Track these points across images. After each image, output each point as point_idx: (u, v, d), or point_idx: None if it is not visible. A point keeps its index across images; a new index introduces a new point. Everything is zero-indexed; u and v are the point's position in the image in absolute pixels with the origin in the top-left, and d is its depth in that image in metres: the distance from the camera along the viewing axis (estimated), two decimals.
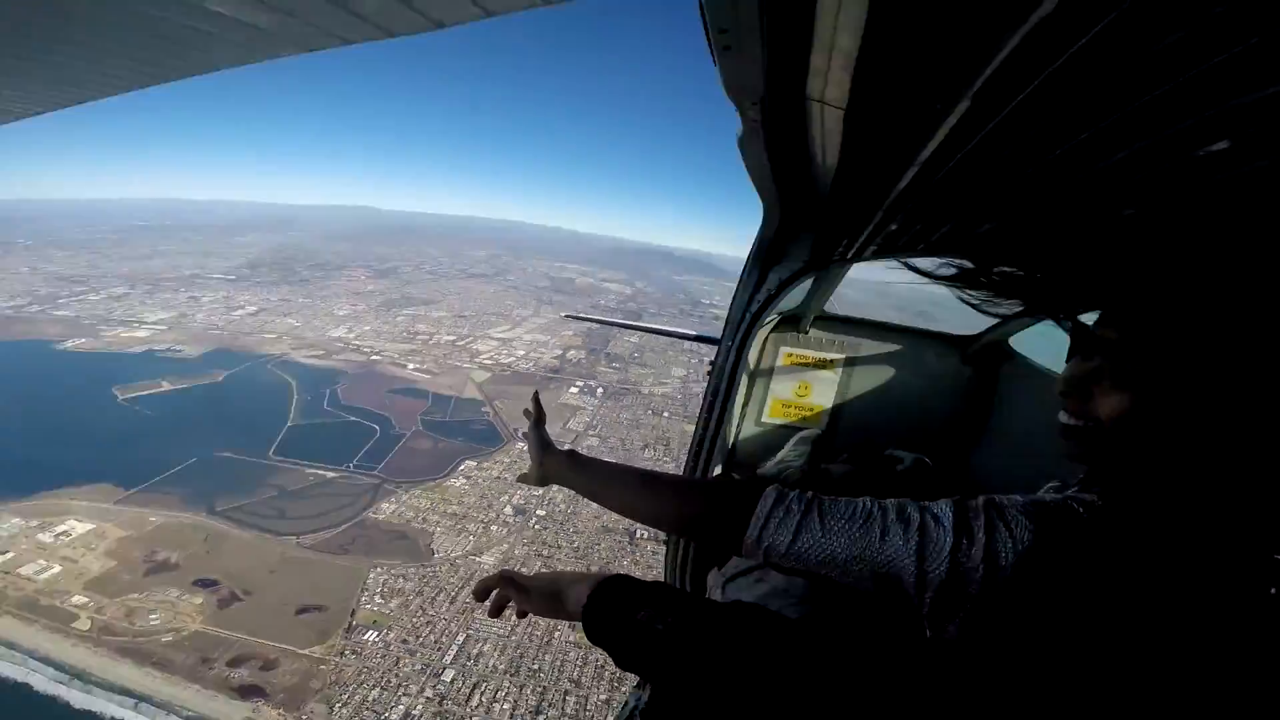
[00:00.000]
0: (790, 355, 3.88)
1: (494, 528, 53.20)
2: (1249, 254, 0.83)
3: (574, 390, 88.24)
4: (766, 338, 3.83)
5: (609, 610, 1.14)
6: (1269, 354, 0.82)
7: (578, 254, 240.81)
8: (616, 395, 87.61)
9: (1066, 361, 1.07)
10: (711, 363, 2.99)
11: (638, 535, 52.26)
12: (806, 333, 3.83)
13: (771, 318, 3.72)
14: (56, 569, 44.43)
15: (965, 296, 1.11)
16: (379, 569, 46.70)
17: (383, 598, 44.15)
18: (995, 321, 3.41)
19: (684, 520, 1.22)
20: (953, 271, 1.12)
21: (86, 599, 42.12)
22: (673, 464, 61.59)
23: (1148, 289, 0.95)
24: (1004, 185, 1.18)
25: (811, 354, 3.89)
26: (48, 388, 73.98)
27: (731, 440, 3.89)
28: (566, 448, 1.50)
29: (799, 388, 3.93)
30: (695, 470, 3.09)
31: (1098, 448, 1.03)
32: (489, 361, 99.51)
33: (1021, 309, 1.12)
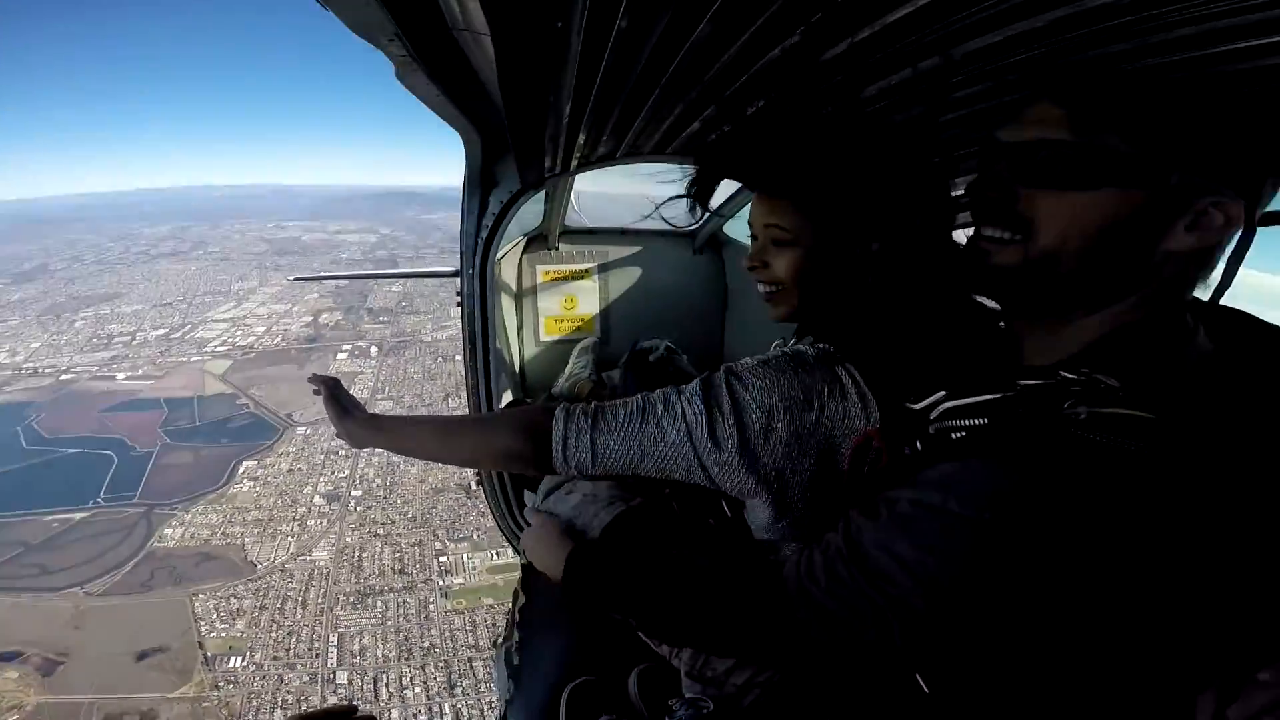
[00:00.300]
0: (547, 272, 4.03)
1: (310, 522, 49.26)
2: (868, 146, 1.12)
3: (343, 355, 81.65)
4: (520, 259, 3.99)
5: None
6: (891, 212, 1.11)
7: (295, 209, 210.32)
8: (395, 350, 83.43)
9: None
10: (459, 294, 3.06)
11: (472, 488, 52.19)
12: (556, 248, 4.03)
13: (518, 239, 3.90)
14: None
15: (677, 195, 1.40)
16: (202, 595, 41.99)
17: (224, 622, 40.17)
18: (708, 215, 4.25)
19: (495, 456, 1.36)
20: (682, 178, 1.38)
21: None
22: None
23: (805, 170, 1.21)
24: (666, 91, 1.58)
25: (567, 268, 4.05)
26: None
27: (518, 365, 4.06)
28: (370, 413, 1.66)
29: (565, 301, 4.09)
30: (479, 404, 3.12)
31: (789, 304, 1.36)
32: (223, 348, 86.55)
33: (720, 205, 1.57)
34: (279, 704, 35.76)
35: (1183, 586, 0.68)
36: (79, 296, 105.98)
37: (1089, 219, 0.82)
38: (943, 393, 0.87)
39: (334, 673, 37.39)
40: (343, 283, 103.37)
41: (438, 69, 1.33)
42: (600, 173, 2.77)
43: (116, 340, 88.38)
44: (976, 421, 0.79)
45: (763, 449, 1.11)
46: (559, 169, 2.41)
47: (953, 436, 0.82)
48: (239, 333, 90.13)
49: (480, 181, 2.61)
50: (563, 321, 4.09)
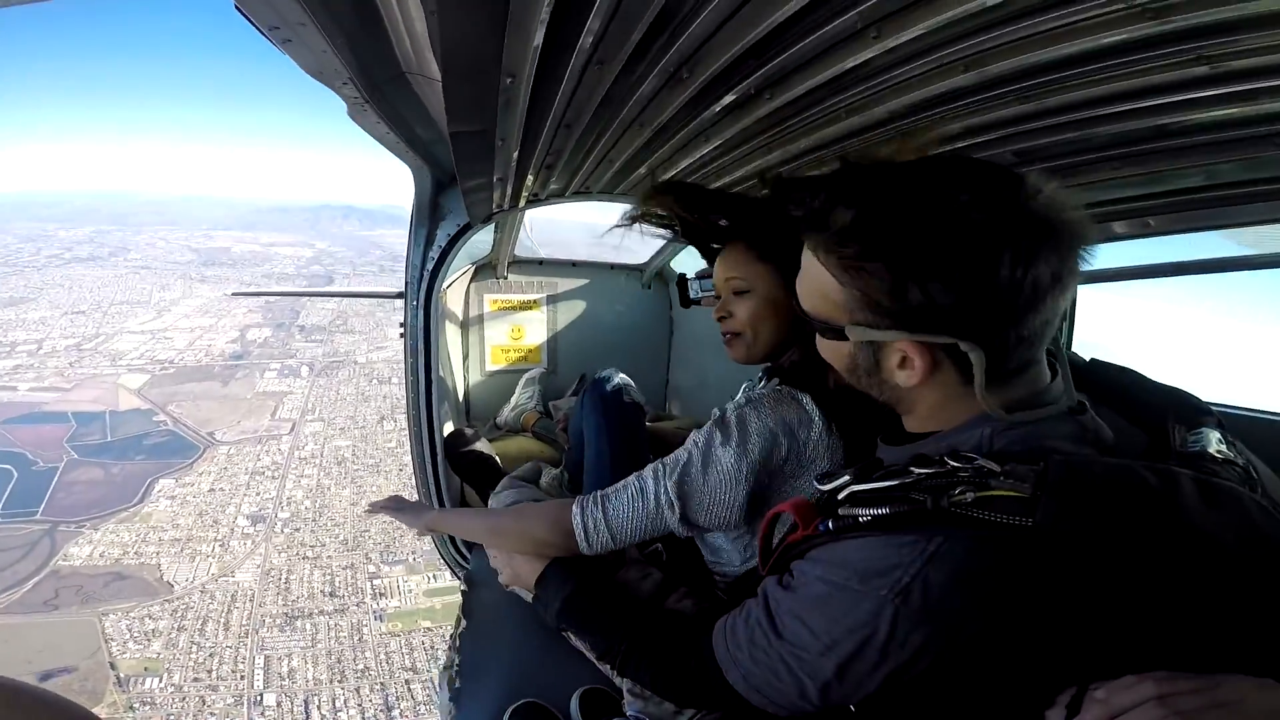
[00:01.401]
0: (495, 301, 4.06)
1: (233, 543, 47.33)
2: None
3: (271, 374, 78.19)
4: (468, 287, 4.01)
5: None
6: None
7: (226, 219, 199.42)
8: (327, 370, 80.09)
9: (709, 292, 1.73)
10: (402, 324, 3.03)
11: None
12: (505, 278, 4.06)
13: (466, 267, 3.91)
14: None
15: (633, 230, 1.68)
16: (114, 615, 39.92)
17: (137, 643, 38.28)
18: (657, 250, 3.96)
19: (537, 547, 1.59)
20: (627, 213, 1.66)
21: None
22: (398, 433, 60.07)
23: (748, 224, 1.49)
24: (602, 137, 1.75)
25: (515, 298, 4.09)
26: None
27: (461, 394, 4.04)
28: (436, 509, 2.17)
29: (513, 331, 4.11)
30: (420, 433, 3.05)
31: (746, 347, 1.58)
32: (141, 361, 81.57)
33: (666, 239, 1.77)
34: None
35: (1054, 633, 0.80)
36: None
37: (835, 356, 1.03)
38: (847, 476, 0.96)
39: (261, 695, 36.32)
40: (273, 298, 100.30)
41: (387, 111, 1.46)
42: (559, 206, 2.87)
43: (20, 348, 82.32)
44: (879, 511, 0.88)
45: (739, 488, 1.38)
46: (508, 205, 2.43)
47: (859, 521, 0.90)
48: (159, 346, 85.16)
49: (428, 214, 2.66)
50: (509, 351, 4.10)
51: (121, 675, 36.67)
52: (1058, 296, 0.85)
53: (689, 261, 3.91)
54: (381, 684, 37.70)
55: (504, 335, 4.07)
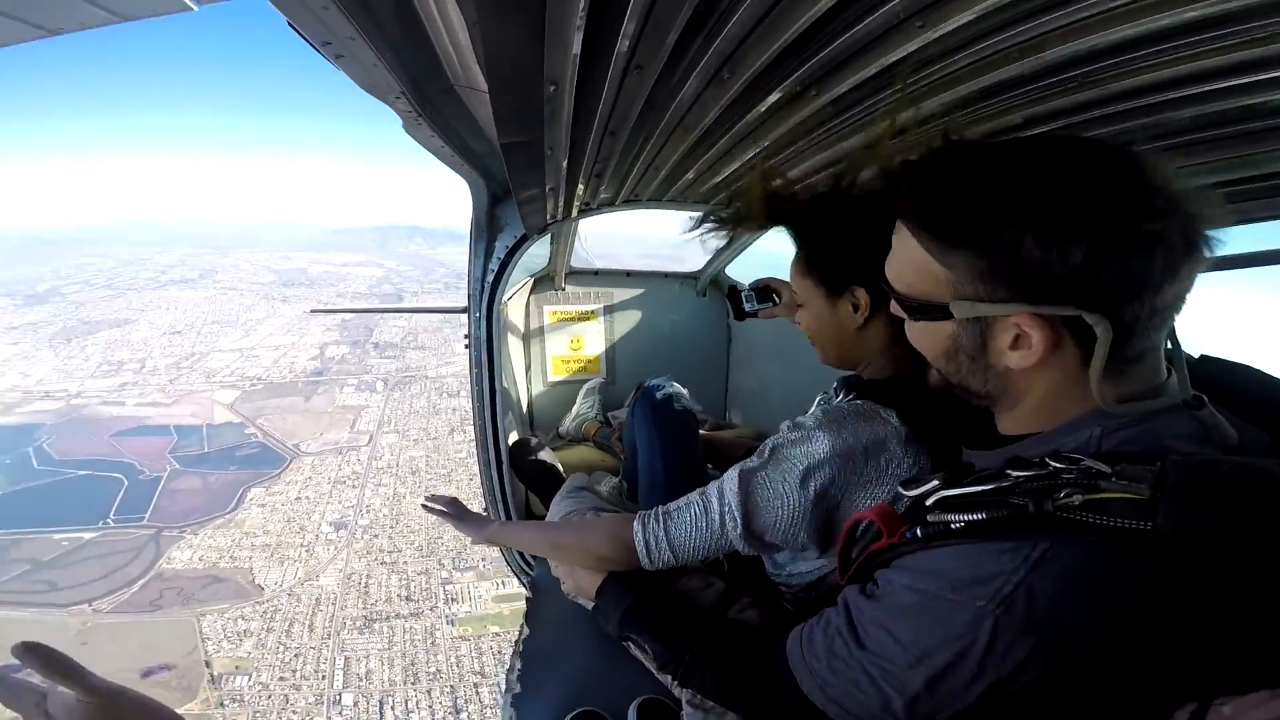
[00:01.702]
0: (555, 313, 4.09)
1: (318, 548, 49.76)
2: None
3: (349, 389, 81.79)
4: (528, 299, 4.05)
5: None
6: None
7: (301, 241, 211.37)
8: (401, 385, 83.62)
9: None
10: (466, 336, 3.08)
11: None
12: (563, 289, 4.10)
13: (526, 280, 3.96)
14: None
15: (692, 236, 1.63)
16: (210, 615, 42.32)
17: (230, 643, 40.44)
18: (711, 256, 3.93)
19: (598, 562, 1.58)
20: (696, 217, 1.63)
21: None
22: None
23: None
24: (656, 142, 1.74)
25: (573, 309, 4.11)
26: None
27: (525, 404, 4.08)
28: (498, 522, 2.13)
29: (572, 342, 4.13)
30: (486, 442, 3.09)
31: (823, 355, 1.58)
32: (232, 378, 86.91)
33: (725, 242, 1.70)
34: None
35: (1175, 643, 0.73)
36: (90, 321, 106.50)
37: (932, 341, 0.96)
38: (936, 481, 0.90)
39: (340, 694, 37.74)
40: (349, 317, 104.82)
41: (441, 124, 1.49)
42: (611, 215, 2.91)
43: (126, 366, 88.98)
44: (975, 516, 0.82)
45: (810, 508, 1.32)
46: (561, 216, 2.46)
47: (952, 527, 0.84)
48: (247, 363, 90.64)
49: (486, 226, 2.71)
50: (569, 362, 4.13)
51: (215, 673, 38.79)
52: (1186, 273, 0.79)
53: (744, 270, 4.07)
54: (451, 687, 38.64)
55: (564, 346, 4.11)
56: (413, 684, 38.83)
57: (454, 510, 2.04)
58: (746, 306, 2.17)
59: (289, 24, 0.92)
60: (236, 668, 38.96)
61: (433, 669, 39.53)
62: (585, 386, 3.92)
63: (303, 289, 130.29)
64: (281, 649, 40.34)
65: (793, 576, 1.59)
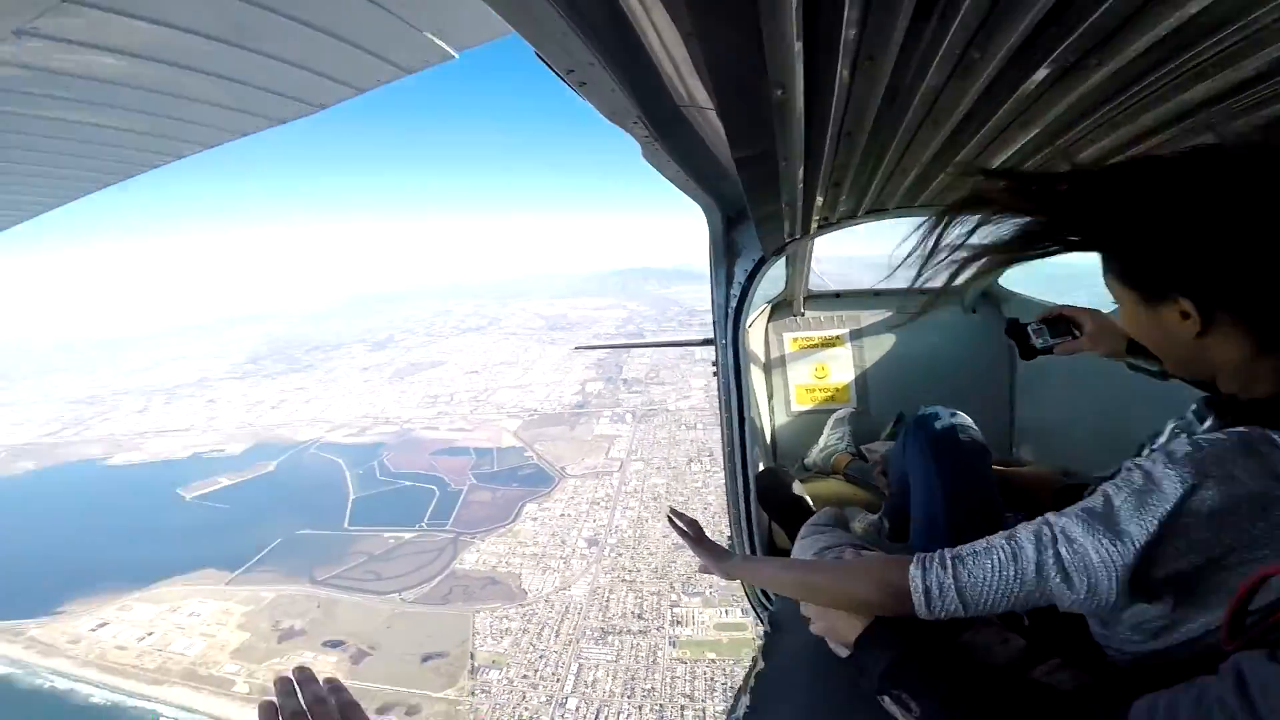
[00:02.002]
0: (796, 340, 3.87)
1: (573, 561, 54.93)
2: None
3: (604, 420, 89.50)
4: (767, 327, 3.88)
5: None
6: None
7: (562, 288, 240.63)
8: (646, 417, 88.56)
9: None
10: (714, 363, 2.98)
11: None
12: (803, 314, 3.89)
13: (762, 307, 3.83)
14: (201, 643, 48.26)
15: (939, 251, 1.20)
16: (483, 613, 49.03)
17: (494, 639, 46.36)
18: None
19: (854, 606, 1.38)
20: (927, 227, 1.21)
21: (237, 666, 45.66)
22: (722, 473, 64.77)
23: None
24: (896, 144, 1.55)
25: (816, 335, 3.87)
26: (120, 497, 77.13)
27: (769, 434, 3.88)
28: (740, 555, 1.87)
29: (817, 370, 3.88)
30: (736, 473, 2.98)
31: (1163, 364, 1.23)
32: (515, 409, 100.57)
33: (1012, 251, 1.19)
34: (514, 718, 40.02)
35: None
36: (414, 364, 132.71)
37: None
38: None
39: (566, 698, 40.75)
40: (604, 356, 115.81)
41: (675, 146, 1.44)
42: (839, 235, 2.74)
43: (439, 399, 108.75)
44: None
45: (1174, 564, 1.03)
46: (799, 233, 2.36)
47: None
48: (526, 397, 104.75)
49: (724, 252, 2.62)
50: (814, 391, 3.89)
51: (475, 664, 44.54)
52: None
53: (1021, 279, 3.57)
54: (661, 705, 39.88)
55: (808, 374, 3.91)
56: (628, 697, 40.62)
57: (694, 533, 1.96)
58: (1036, 343, 1.79)
59: (536, 54, 0.93)
60: (493, 662, 44.33)
61: (649, 686, 41.00)
62: (834, 417, 3.67)
63: (565, 332, 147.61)
64: (530, 649, 45.00)
65: (1137, 641, 1.24)
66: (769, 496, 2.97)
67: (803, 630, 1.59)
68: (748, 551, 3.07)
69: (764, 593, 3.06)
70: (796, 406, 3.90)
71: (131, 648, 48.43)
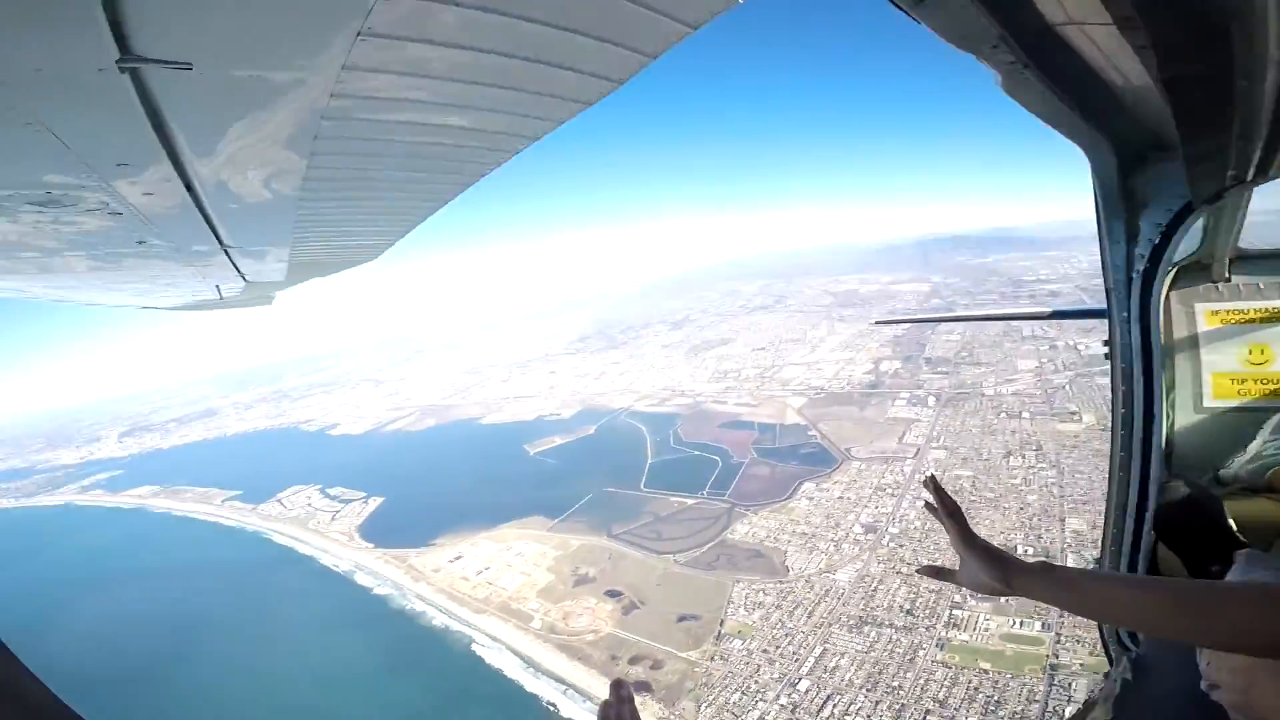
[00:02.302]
0: (1215, 313, 3.03)
1: (845, 545, 53.98)
2: None
3: (900, 402, 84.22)
4: (1168, 297, 3.08)
5: None
6: None
7: (848, 264, 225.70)
8: (953, 401, 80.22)
9: None
10: (1105, 343, 2.50)
11: (1017, 550, 46.69)
12: (1228, 279, 3.05)
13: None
14: (519, 580, 59.06)
15: None
16: (741, 584, 51.54)
17: (746, 610, 48.47)
18: None
19: (1264, 646, 0.97)
20: None
21: (538, 604, 54.70)
22: (1050, 470, 56.44)
23: None
24: None
25: (1248, 306, 2.99)
26: (486, 450, 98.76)
27: (1164, 434, 3.04)
28: (1036, 559, 1.34)
29: (1250, 353, 3.02)
30: (1128, 484, 2.47)
31: None
32: (800, 386, 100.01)
33: None
34: (744, 690, 41.27)
35: None
36: (707, 341, 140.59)
37: None
38: None
39: (800, 679, 40.94)
40: (902, 333, 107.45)
41: (1049, 72, 1.21)
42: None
43: (729, 375, 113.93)
44: None
45: None
46: (1250, 175, 1.85)
47: None
48: (812, 374, 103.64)
49: (1121, 202, 2.19)
50: (1244, 381, 3.06)
51: (722, 631, 46.97)
52: None
53: None
54: (902, 705, 37.66)
55: (1233, 360, 3.07)
56: (867, 690, 39.26)
57: (956, 521, 1.57)
58: None
59: None
60: (739, 632, 46.35)
61: (895, 684, 39.13)
62: (1277, 419, 2.83)
63: (856, 308, 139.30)
64: (779, 626, 45.90)
65: None
66: (1174, 515, 2.46)
67: (1179, 686, 1.23)
68: (1108, 572, 2.47)
69: (1130, 633, 2.48)
70: (1211, 401, 3.14)
71: (471, 579, 61.55)
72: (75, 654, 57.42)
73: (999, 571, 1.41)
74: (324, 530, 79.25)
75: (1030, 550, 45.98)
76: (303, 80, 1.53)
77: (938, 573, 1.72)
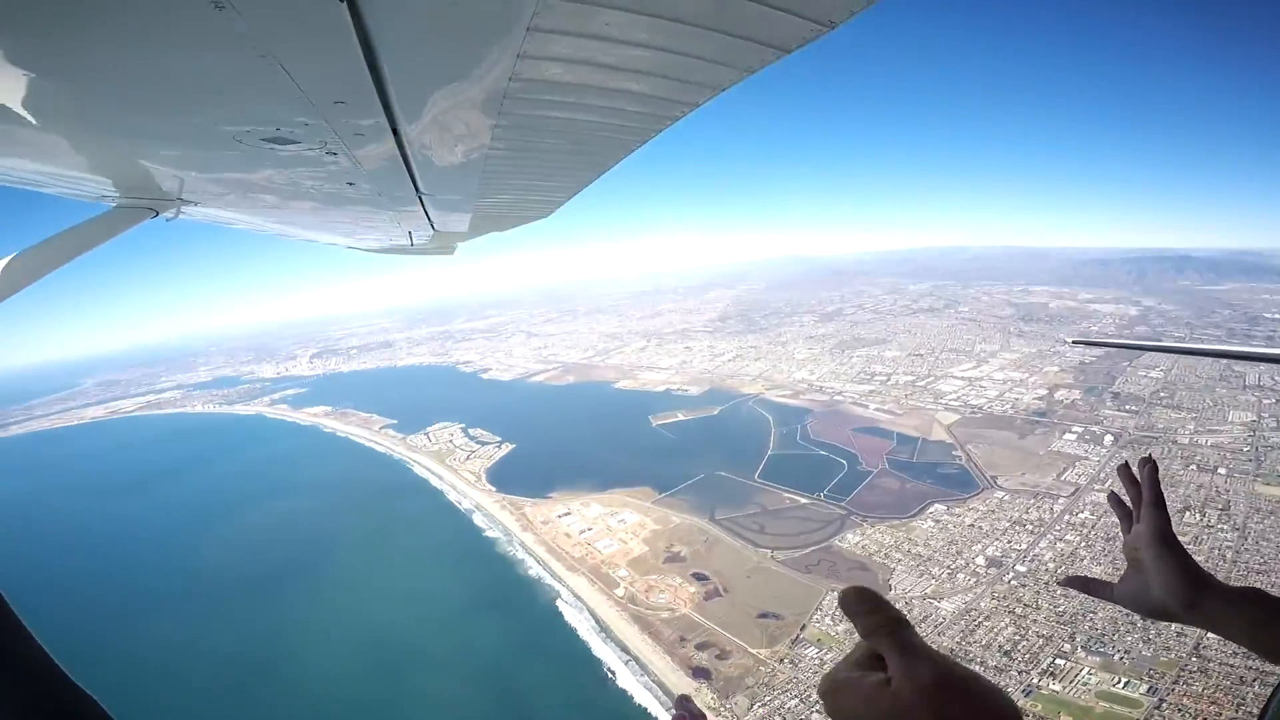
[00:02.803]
0: None
1: (960, 575, 50.00)
2: None
3: (1070, 437, 75.25)
4: None
5: None
6: None
7: (1042, 272, 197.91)
8: (1135, 444, 70.49)
9: None
10: None
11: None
12: None
13: None
14: (615, 546, 60.43)
15: None
16: (836, 593, 48.48)
17: (833, 620, 46.26)
18: None
19: None
20: None
21: (627, 573, 55.61)
22: (1231, 533, 50.53)
23: None
24: None
25: None
26: (613, 414, 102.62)
27: None
28: (1240, 585, 1.11)
29: None
30: None
31: None
32: (955, 402, 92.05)
33: None
34: (804, 698, 39.66)
35: None
36: (859, 338, 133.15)
37: None
38: None
39: None
40: (1092, 360, 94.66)
41: None
42: None
43: (876, 377, 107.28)
44: None
45: None
46: None
47: None
48: (972, 392, 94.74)
49: None
50: None
51: (801, 636, 44.99)
52: None
53: None
54: None
55: None
56: None
57: (1160, 531, 1.30)
58: None
59: None
60: (819, 640, 44.40)
61: None
62: None
63: (1041, 325, 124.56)
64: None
65: None
66: None
67: None
68: None
69: None
70: None
71: (573, 537, 63.69)
72: (235, 550, 68.38)
73: (1188, 589, 1.18)
74: (457, 467, 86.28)
75: None
76: (491, 44, 1.74)
77: (1085, 584, 1.57)
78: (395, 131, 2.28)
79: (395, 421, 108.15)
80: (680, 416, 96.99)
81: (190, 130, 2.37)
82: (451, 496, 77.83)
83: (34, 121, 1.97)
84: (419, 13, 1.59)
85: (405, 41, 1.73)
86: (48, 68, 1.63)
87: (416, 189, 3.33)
